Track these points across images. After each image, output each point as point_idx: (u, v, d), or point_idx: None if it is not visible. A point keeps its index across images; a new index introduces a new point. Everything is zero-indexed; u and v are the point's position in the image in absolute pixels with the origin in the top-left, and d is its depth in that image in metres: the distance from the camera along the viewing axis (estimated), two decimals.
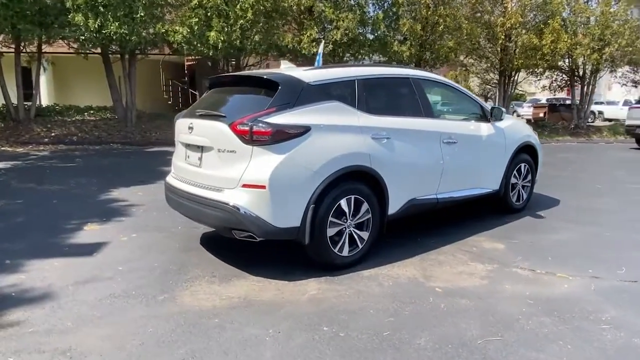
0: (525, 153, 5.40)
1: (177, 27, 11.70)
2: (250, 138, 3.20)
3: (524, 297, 3.15)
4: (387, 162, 3.75)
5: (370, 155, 3.63)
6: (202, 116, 3.62)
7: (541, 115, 20.58)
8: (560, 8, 14.38)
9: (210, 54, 12.15)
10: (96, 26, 11.08)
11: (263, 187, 3.17)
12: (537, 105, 22.15)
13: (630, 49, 14.80)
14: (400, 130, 3.92)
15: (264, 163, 3.20)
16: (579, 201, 6.19)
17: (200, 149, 3.57)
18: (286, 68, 4.14)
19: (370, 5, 13.34)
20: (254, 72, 3.99)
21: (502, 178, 5.07)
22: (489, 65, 16.34)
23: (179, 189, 3.77)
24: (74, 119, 13.88)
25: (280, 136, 3.20)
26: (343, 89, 3.71)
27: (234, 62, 14.22)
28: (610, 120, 24.55)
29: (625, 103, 25.75)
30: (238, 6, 11.56)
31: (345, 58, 13.50)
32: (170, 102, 19.50)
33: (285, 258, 3.86)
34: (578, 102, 17.38)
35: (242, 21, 11.72)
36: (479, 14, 15.16)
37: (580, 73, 16.72)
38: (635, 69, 17.51)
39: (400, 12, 13.13)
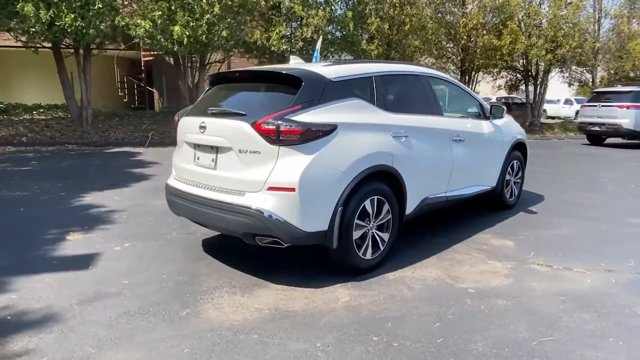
0: (517, 150, 5.51)
1: (138, 21, 11.04)
2: (276, 138, 2.99)
3: (554, 294, 3.16)
4: (406, 160, 3.65)
5: (392, 154, 3.52)
6: (216, 114, 3.35)
7: None
8: (517, 10, 15.00)
9: (175, 50, 11.58)
10: (48, 18, 10.24)
11: (292, 189, 2.97)
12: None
13: (580, 50, 15.70)
14: (416, 129, 3.84)
15: (292, 164, 3.00)
16: (560, 196, 6.41)
17: (215, 149, 3.31)
18: (296, 63, 3.93)
19: (338, 3, 13.28)
20: (269, 67, 3.74)
21: (500, 175, 5.15)
22: (449, 64, 16.79)
23: (188, 193, 3.47)
24: (22, 117, 12.79)
25: (309, 135, 3.01)
26: (362, 86, 3.57)
27: (194, 59, 13.68)
28: (552, 117, 25.99)
29: (567, 102, 27.46)
30: (204, 0, 11.09)
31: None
32: (125, 100, 18.47)
33: (301, 263, 3.67)
34: (532, 100, 18.24)
35: (208, 15, 11.26)
36: (440, 15, 15.52)
37: (534, 73, 17.57)
38: (582, 69, 18.64)
39: (368, 10, 13.15)
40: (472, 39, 15.28)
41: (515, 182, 5.57)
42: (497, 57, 15.09)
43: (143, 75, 18.15)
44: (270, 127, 2.98)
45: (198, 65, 13.25)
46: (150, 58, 17.22)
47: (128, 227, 4.66)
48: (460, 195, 4.51)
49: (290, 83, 3.23)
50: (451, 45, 16.09)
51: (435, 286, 3.29)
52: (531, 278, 3.45)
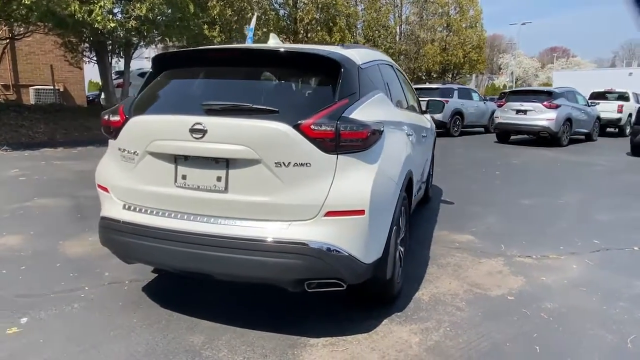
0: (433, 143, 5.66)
1: None
2: (335, 144, 2.17)
3: (571, 286, 3.22)
4: (414, 162, 3.23)
5: (411, 156, 3.04)
6: (224, 112, 2.25)
7: None
8: (343, 9, 15.90)
9: None
10: None
11: (361, 212, 2.22)
12: None
13: (392, 50, 17.67)
14: (413, 126, 3.45)
15: (356, 178, 2.23)
16: (446, 184, 6.90)
17: (225, 163, 2.24)
18: (275, 43, 3.04)
19: None
20: (274, 46, 2.72)
21: (429, 169, 5.19)
22: None
23: (168, 230, 2.29)
24: None
25: (373, 139, 2.30)
26: (377, 75, 2.96)
27: None
28: None
29: None
30: None
31: (148, 39, 11.42)
32: None
33: (295, 298, 2.88)
34: None
35: None
36: (274, 6, 15.29)
37: None
38: None
39: None
40: (308, 34, 15.57)
41: (430, 175, 5.72)
42: None
43: None
44: (327, 129, 2.15)
45: None
46: None
47: (3, 287, 2.97)
48: (419, 194, 4.33)
49: (321, 68, 2.43)
50: (284, 39, 16.05)
51: (475, 300, 2.98)
52: (533, 272, 3.47)
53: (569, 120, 12.93)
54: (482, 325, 2.65)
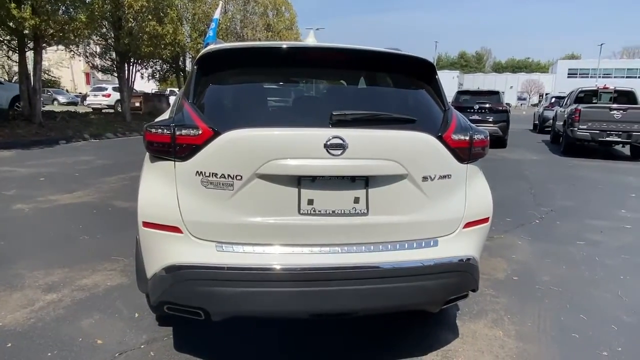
0: None
1: None
2: (469, 152, 2.12)
3: (539, 260, 3.86)
4: None
5: None
6: (359, 123, 1.89)
7: (137, 104, 20.36)
8: (176, 0, 14.64)
9: None
10: None
11: (486, 220, 2.24)
12: (134, 94, 21.45)
13: None
14: None
15: (480, 185, 2.25)
16: None
17: (364, 182, 1.93)
18: (313, 41, 2.69)
19: None
20: (363, 48, 2.29)
21: None
22: (105, 48, 14.46)
23: (297, 269, 1.86)
24: None
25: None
26: None
27: None
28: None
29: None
30: None
31: None
32: None
33: (348, 327, 2.74)
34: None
35: None
36: None
37: (182, 66, 17.82)
38: None
39: None
40: (138, 23, 13.74)
41: None
42: (162, 46, 14.30)
43: None
44: (463, 138, 2.09)
45: None
46: None
47: None
48: None
49: (419, 73, 2.29)
50: (106, 28, 13.86)
51: (496, 286, 3.31)
52: (502, 252, 4.00)
53: None
54: (526, 307, 2.98)
